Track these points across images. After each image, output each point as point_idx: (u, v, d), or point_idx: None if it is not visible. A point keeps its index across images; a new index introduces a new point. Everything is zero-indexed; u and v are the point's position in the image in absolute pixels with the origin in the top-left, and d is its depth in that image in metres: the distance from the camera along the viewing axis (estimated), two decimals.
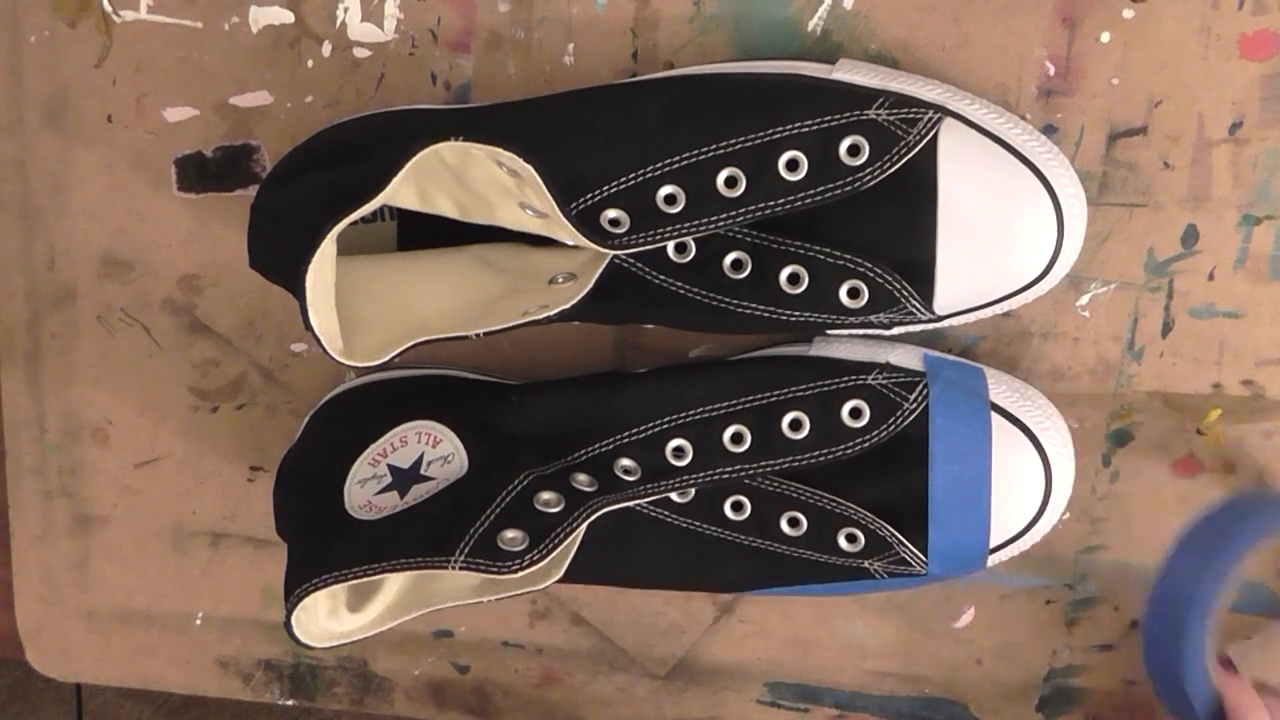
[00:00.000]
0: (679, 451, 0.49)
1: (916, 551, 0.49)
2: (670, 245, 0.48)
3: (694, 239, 0.48)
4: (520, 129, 0.48)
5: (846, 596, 0.57)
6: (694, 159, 0.46)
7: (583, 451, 0.49)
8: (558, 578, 0.50)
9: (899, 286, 0.48)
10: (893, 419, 0.49)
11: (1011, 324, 0.53)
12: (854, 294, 0.48)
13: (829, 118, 0.46)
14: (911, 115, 0.47)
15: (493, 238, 0.51)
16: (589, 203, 0.46)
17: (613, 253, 0.47)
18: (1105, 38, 0.50)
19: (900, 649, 0.57)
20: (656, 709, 0.60)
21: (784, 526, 0.50)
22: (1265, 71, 0.49)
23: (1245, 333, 0.52)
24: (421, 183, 0.47)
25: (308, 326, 0.44)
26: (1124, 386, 0.53)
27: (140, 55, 0.55)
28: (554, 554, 0.47)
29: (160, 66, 0.55)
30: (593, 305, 0.48)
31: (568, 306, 0.48)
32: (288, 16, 0.54)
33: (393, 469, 0.51)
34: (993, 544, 0.50)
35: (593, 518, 0.47)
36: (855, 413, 0.49)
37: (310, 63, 0.54)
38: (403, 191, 0.47)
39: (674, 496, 0.50)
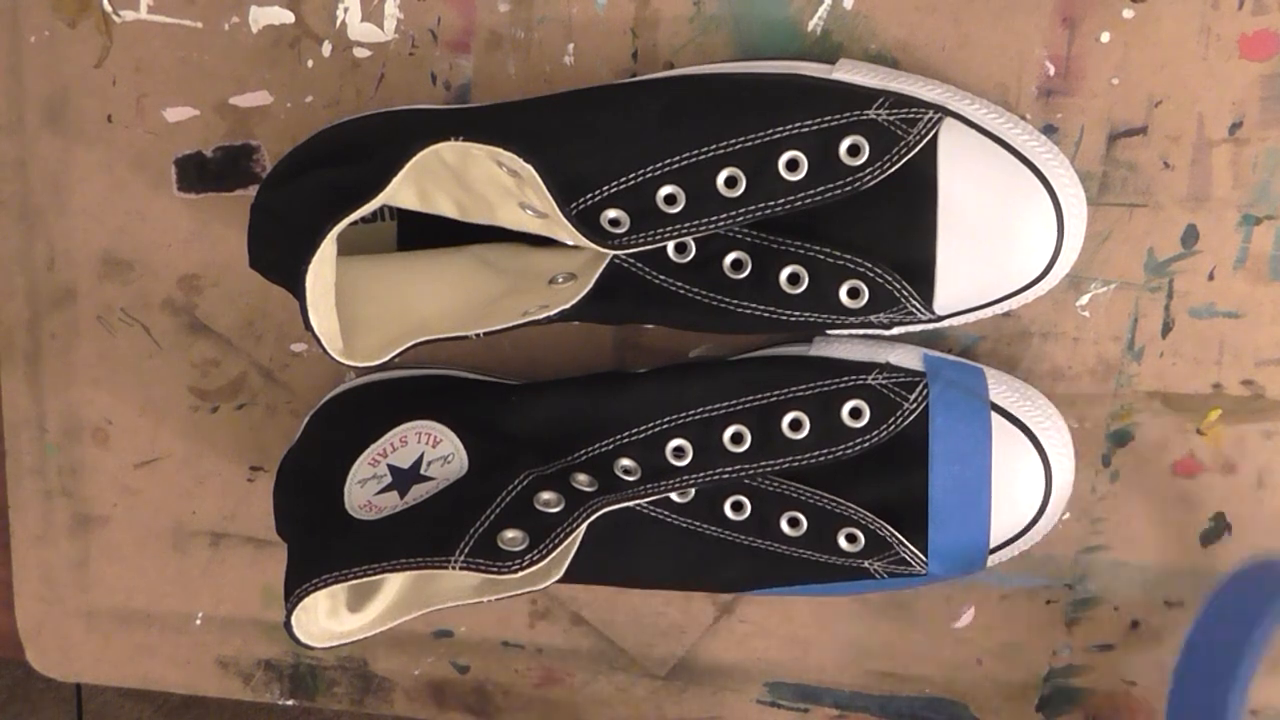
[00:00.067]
0: (679, 451, 0.49)
1: (916, 551, 0.49)
2: (670, 245, 0.48)
3: (694, 239, 0.48)
4: (520, 129, 0.48)
5: (846, 596, 0.57)
6: (694, 159, 0.46)
7: (583, 451, 0.49)
8: (558, 578, 0.50)
9: (899, 286, 0.48)
10: (893, 419, 0.49)
11: (1011, 324, 0.53)
12: (854, 294, 0.48)
13: (829, 118, 0.46)
14: (911, 115, 0.47)
15: (493, 238, 0.51)
16: (589, 203, 0.46)
17: (613, 253, 0.47)
18: (1105, 38, 0.50)
19: (900, 649, 0.57)
20: (656, 709, 0.60)
21: (784, 526, 0.50)
22: (1265, 71, 0.49)
23: (1245, 333, 0.52)
24: (421, 183, 0.47)
25: (308, 326, 0.44)
26: (1124, 386, 0.53)
27: (140, 55, 0.55)
28: (554, 554, 0.47)
29: (160, 66, 0.55)
30: (593, 305, 0.48)
31: (568, 306, 0.48)
32: (288, 16, 0.54)
33: (393, 469, 0.51)
34: (993, 544, 0.50)
35: (593, 518, 0.47)
36: (855, 413, 0.49)
37: (310, 63, 0.54)
38: (403, 191, 0.47)
39: (674, 496, 0.50)
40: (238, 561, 0.61)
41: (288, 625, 0.47)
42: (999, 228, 0.47)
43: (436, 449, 0.51)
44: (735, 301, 0.48)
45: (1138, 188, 0.51)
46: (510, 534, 0.45)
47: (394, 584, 0.51)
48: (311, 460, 0.53)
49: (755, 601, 0.58)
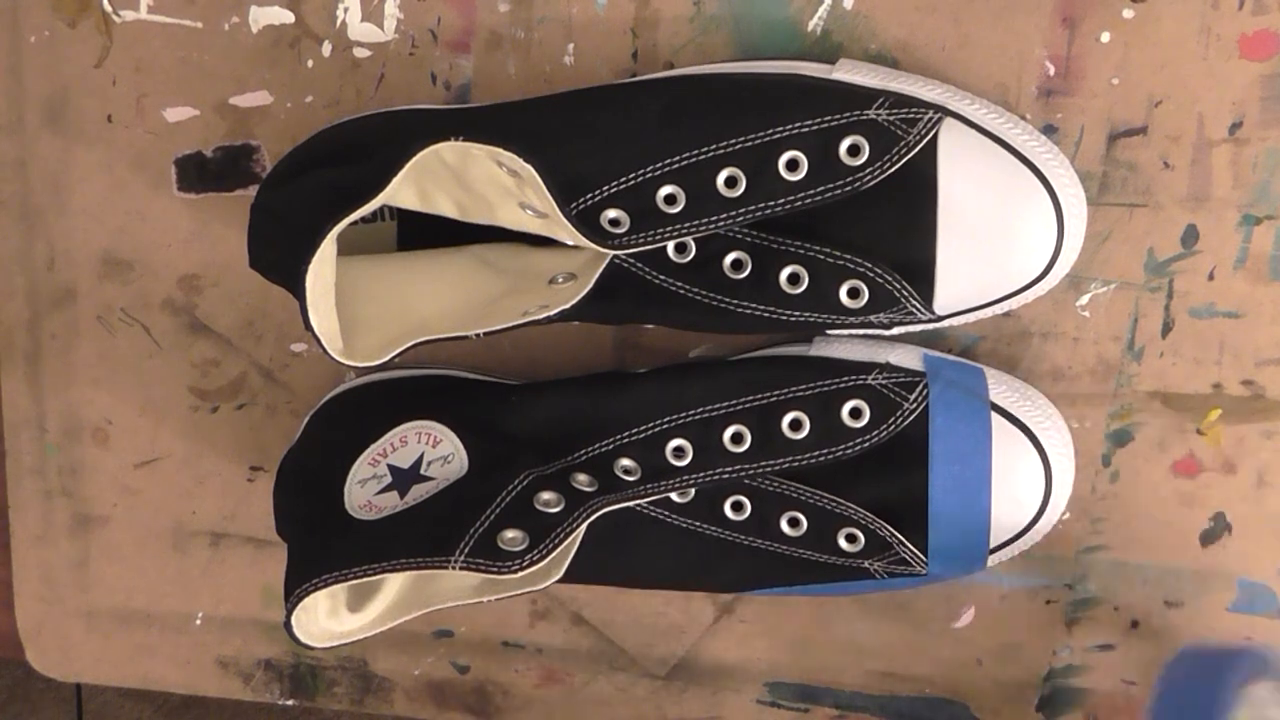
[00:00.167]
0: (679, 451, 0.49)
1: (916, 551, 0.49)
2: (670, 245, 0.48)
3: (694, 239, 0.48)
4: (520, 129, 0.48)
5: (846, 596, 0.57)
6: (694, 159, 0.46)
7: (583, 451, 0.49)
8: (558, 578, 0.50)
9: (899, 286, 0.48)
10: (893, 419, 0.49)
11: (1011, 324, 0.53)
12: (854, 294, 0.48)
13: (829, 118, 0.46)
14: (911, 115, 0.47)
15: (493, 238, 0.51)
16: (589, 203, 0.46)
17: (613, 253, 0.47)
18: (1105, 38, 0.50)
19: (900, 649, 0.57)
20: (656, 709, 0.60)
21: (784, 526, 0.50)
22: (1265, 71, 0.49)
23: (1245, 333, 0.52)
24: (421, 183, 0.47)
25: (308, 326, 0.44)
26: (1124, 386, 0.53)
27: (140, 55, 0.55)
28: (554, 554, 0.46)
29: (160, 66, 0.55)
30: (593, 305, 0.48)
31: (568, 306, 0.48)
32: (288, 16, 0.54)
33: (393, 469, 0.51)
34: (993, 544, 0.50)
35: (593, 518, 0.47)
36: (855, 413, 0.49)
37: (310, 63, 0.54)
38: (403, 191, 0.47)
39: (674, 496, 0.50)
40: (238, 561, 0.61)
41: (288, 625, 0.47)
42: (999, 228, 0.47)
43: (436, 449, 0.51)
44: (735, 301, 0.48)
45: (1138, 188, 0.51)
46: (510, 534, 0.45)
47: (394, 584, 0.51)
48: (311, 460, 0.53)
49: (755, 601, 0.58)
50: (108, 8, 0.55)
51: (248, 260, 0.49)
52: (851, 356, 0.50)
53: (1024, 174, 0.47)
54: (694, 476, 0.49)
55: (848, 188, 0.46)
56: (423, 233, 0.53)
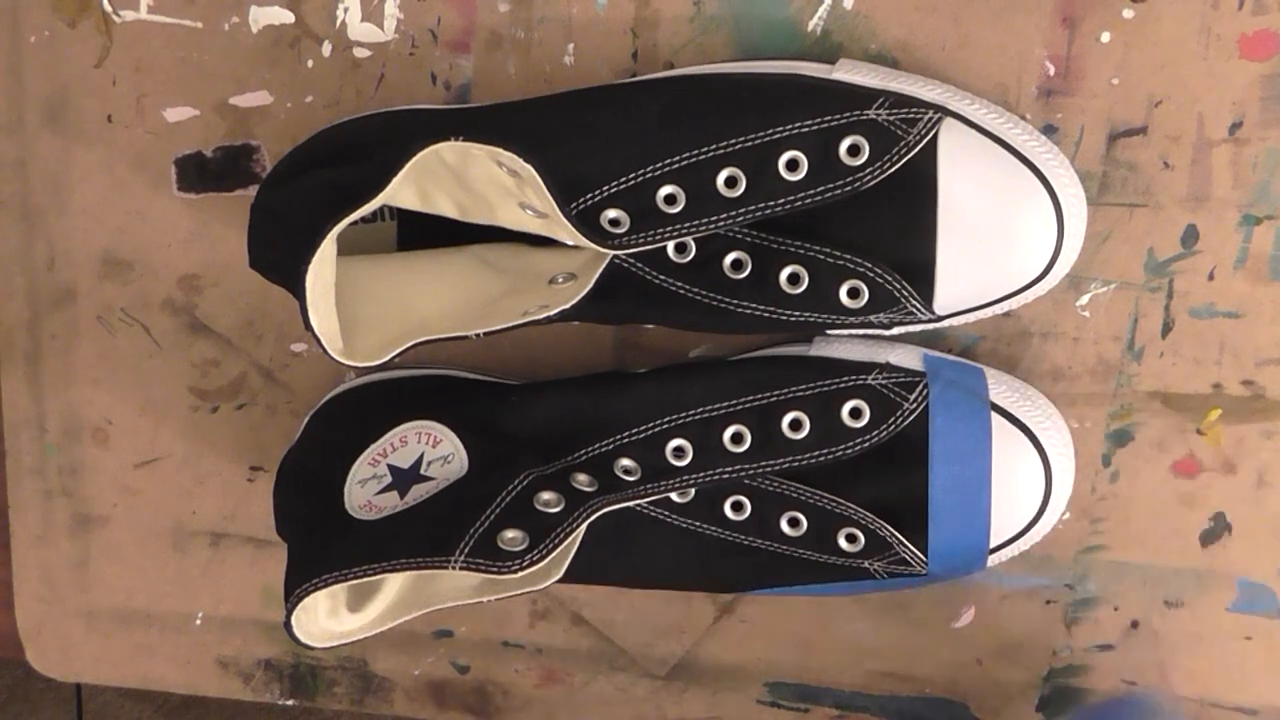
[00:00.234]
0: (679, 451, 0.49)
1: (916, 551, 0.49)
2: (670, 245, 0.48)
3: (694, 239, 0.48)
4: (520, 129, 0.48)
5: (846, 596, 0.57)
6: (694, 159, 0.46)
7: (583, 451, 0.49)
8: (558, 578, 0.50)
9: (899, 286, 0.48)
10: (893, 419, 0.49)
11: (1011, 324, 0.53)
12: (854, 294, 0.48)
13: (829, 118, 0.46)
14: (911, 115, 0.47)
15: (493, 238, 0.51)
16: (589, 203, 0.46)
17: (613, 253, 0.47)
18: (1105, 38, 0.50)
19: (900, 649, 0.57)
20: (656, 709, 0.60)
21: (784, 526, 0.50)
22: (1265, 71, 0.49)
23: (1245, 333, 0.52)
24: (421, 183, 0.47)
25: (308, 326, 0.44)
26: (1124, 386, 0.53)
27: (140, 55, 0.55)
28: (554, 554, 0.46)
29: (160, 66, 0.55)
30: (593, 305, 0.48)
31: (568, 306, 0.48)
32: (288, 16, 0.54)
33: (393, 469, 0.51)
34: (993, 544, 0.50)
35: (593, 518, 0.47)
36: (855, 413, 0.49)
37: (310, 63, 0.54)
38: (403, 191, 0.47)
39: (674, 496, 0.50)
40: (238, 561, 0.61)
41: (288, 625, 0.47)
42: (999, 228, 0.47)
43: (436, 449, 0.51)
44: (735, 301, 0.48)
45: (1138, 188, 0.51)
46: (510, 534, 0.45)
47: (394, 584, 0.51)
48: (311, 460, 0.53)
49: (755, 601, 0.58)
50: (108, 8, 0.55)
51: (248, 260, 0.49)
52: (851, 356, 0.50)
53: (1024, 174, 0.47)
54: (694, 476, 0.49)
55: (848, 188, 0.46)
56: (423, 233, 0.53)
